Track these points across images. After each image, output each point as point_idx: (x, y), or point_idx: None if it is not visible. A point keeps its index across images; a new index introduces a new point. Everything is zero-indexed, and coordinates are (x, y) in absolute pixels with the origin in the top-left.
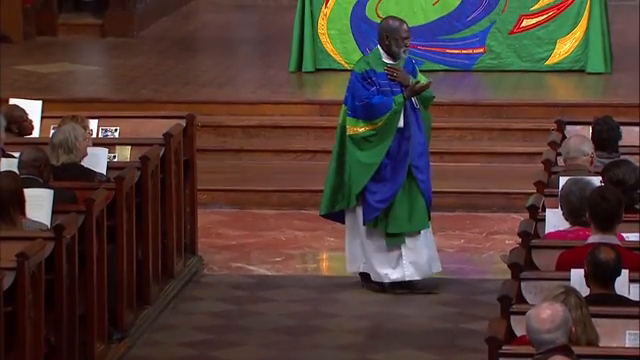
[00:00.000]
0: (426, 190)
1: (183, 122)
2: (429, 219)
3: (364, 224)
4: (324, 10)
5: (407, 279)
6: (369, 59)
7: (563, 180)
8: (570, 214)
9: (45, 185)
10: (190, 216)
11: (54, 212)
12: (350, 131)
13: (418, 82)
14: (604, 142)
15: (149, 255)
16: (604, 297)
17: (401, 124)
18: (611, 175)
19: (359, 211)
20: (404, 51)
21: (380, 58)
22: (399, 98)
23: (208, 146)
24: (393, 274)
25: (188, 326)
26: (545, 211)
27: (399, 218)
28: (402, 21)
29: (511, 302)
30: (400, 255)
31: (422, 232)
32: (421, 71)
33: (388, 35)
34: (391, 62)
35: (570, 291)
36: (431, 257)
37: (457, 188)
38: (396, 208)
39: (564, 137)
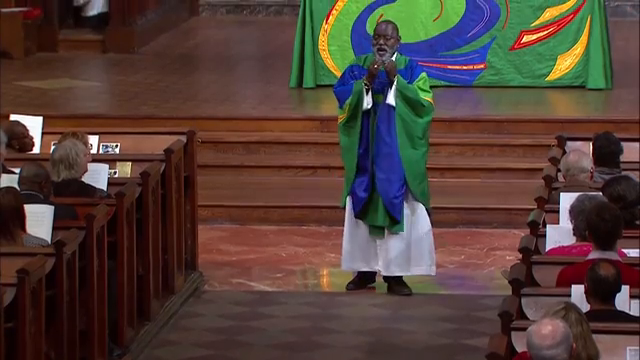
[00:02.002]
0: (383, 189)
1: (184, 138)
2: (395, 222)
3: (355, 217)
4: (325, 26)
5: (375, 270)
6: (363, 57)
7: (564, 196)
8: (580, 228)
9: (46, 201)
10: (191, 232)
11: (54, 228)
12: (338, 120)
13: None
14: (606, 157)
15: (150, 271)
16: (604, 313)
17: (367, 106)
18: (611, 191)
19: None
20: (377, 49)
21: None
22: (358, 84)
23: (209, 162)
24: (363, 267)
25: (189, 342)
26: (546, 227)
27: (375, 212)
28: (384, 22)
29: (512, 318)
30: (374, 249)
31: (401, 233)
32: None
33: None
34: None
35: (570, 307)
36: (409, 257)
37: (458, 204)
38: (375, 202)
39: (565, 153)
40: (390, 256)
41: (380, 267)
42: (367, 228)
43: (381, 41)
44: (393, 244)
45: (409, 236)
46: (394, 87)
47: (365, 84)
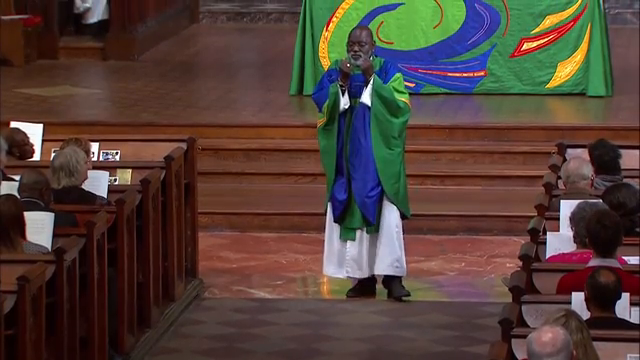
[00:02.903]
0: (357, 189)
1: (184, 145)
2: (368, 222)
3: (335, 221)
4: (325, 34)
5: (347, 276)
6: (340, 60)
7: (564, 203)
8: (580, 235)
9: (46, 208)
10: (191, 239)
11: (55, 235)
12: (317, 124)
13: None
14: (607, 164)
15: (150, 278)
16: (605, 320)
17: (344, 106)
18: (611, 198)
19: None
20: (352, 56)
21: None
22: (333, 87)
23: (209, 169)
24: (337, 273)
25: (189, 349)
26: (546, 234)
27: (352, 214)
28: (357, 28)
29: (512, 325)
30: (345, 253)
31: (365, 233)
32: (421, 94)
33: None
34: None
35: (571, 314)
36: (378, 259)
37: (458, 211)
38: (352, 204)
39: (565, 160)
40: (360, 258)
41: (350, 270)
42: (339, 231)
43: (355, 48)
44: (363, 246)
45: (379, 237)
46: (369, 86)
47: (340, 85)
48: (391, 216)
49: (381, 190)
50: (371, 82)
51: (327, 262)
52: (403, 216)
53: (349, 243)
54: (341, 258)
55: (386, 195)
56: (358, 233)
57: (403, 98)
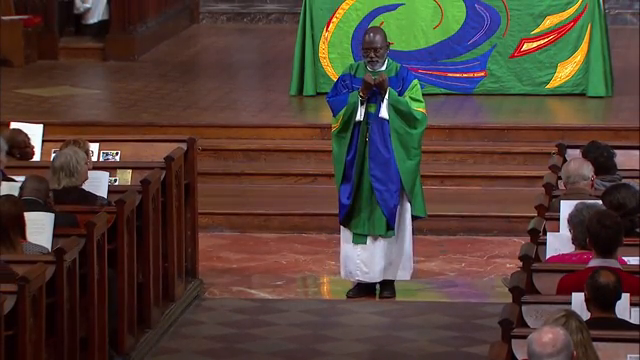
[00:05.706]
0: (383, 200)
1: (184, 146)
2: (390, 228)
3: (340, 223)
4: (325, 34)
5: (357, 279)
6: (356, 65)
7: (564, 204)
8: (579, 238)
9: (46, 208)
10: (191, 239)
11: (55, 236)
12: (332, 129)
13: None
14: (604, 164)
15: (150, 279)
16: (605, 321)
17: (359, 117)
18: (611, 199)
19: None
20: (368, 61)
21: (366, 66)
22: (353, 96)
23: (209, 169)
24: (351, 276)
25: (189, 350)
26: (546, 235)
27: (361, 219)
28: (370, 32)
29: (512, 326)
30: (356, 257)
31: (382, 239)
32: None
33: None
34: (371, 70)
35: (571, 315)
36: (390, 265)
37: (458, 211)
38: (361, 209)
39: (565, 161)
40: (374, 262)
41: (359, 274)
42: (351, 236)
43: (371, 54)
44: (376, 250)
45: (393, 241)
46: (386, 101)
47: (360, 96)
48: (407, 222)
49: (400, 197)
50: (386, 96)
51: (343, 265)
52: (415, 217)
53: (360, 247)
54: (354, 261)
55: (409, 201)
56: (370, 238)
57: (420, 108)
